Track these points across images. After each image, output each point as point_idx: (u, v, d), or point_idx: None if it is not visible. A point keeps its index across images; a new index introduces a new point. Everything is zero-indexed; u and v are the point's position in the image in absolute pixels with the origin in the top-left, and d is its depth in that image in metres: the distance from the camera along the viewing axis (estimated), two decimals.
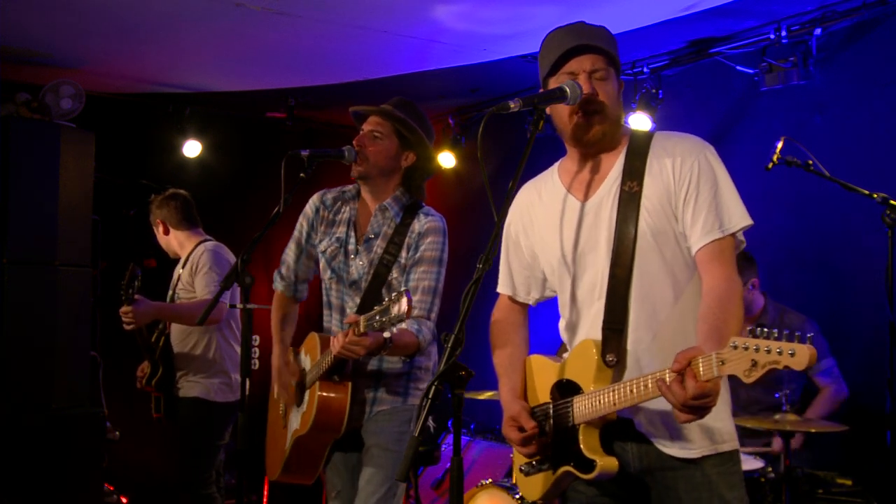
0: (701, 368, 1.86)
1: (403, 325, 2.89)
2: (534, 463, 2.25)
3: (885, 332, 3.47)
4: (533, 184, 2.45)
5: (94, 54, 5.28)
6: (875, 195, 3.54)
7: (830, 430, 3.65)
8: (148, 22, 4.70)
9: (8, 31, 4.75)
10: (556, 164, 2.41)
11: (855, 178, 3.67)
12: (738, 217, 2.15)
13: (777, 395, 3.75)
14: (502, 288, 2.50)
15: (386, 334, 2.75)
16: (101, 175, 4.96)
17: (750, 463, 3.73)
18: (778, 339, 1.76)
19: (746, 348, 1.78)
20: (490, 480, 3.96)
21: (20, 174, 4.45)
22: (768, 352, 1.75)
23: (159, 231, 4.68)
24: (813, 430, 3.59)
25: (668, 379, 1.91)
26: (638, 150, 2.23)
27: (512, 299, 2.49)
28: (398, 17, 4.60)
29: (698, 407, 1.89)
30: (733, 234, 2.15)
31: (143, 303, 4.31)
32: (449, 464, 2.02)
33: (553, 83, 2.23)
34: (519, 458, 2.33)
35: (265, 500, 5.45)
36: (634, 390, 2.00)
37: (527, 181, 2.46)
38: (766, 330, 1.78)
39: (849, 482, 3.72)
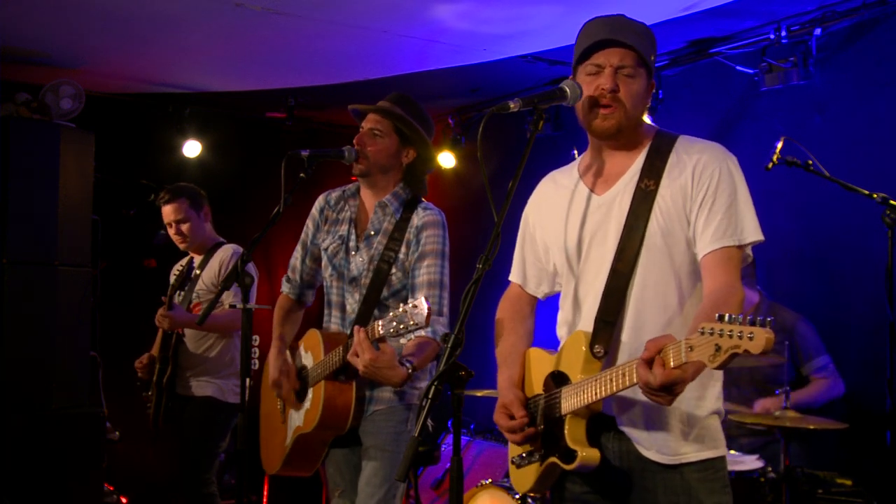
0: (671, 356, 1.85)
1: (421, 332, 2.88)
2: (524, 455, 2.26)
3: (885, 332, 3.47)
4: (552, 176, 2.45)
5: (94, 54, 5.28)
6: (875, 195, 3.54)
7: (829, 428, 3.65)
8: (148, 22, 4.70)
9: (8, 31, 4.75)
10: (579, 157, 2.40)
11: (855, 178, 3.67)
12: (751, 231, 2.12)
13: (777, 392, 3.75)
14: (514, 277, 2.49)
15: (408, 365, 2.76)
16: (101, 175, 4.96)
17: (750, 463, 3.73)
18: (743, 323, 1.71)
19: (712, 333, 1.74)
20: (490, 480, 3.96)
21: (20, 174, 4.46)
22: (730, 336, 1.71)
23: (191, 224, 4.47)
24: (812, 427, 3.59)
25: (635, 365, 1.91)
26: (660, 150, 2.22)
27: (522, 289, 2.48)
28: (398, 17, 4.60)
29: (665, 393, 1.89)
30: (741, 247, 2.12)
31: (180, 312, 4.32)
32: (449, 464, 2.02)
33: (581, 72, 2.24)
34: (513, 451, 2.33)
35: (265, 499, 5.45)
36: (613, 379, 1.99)
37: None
38: (733, 316, 1.74)
39: (849, 482, 3.72)
